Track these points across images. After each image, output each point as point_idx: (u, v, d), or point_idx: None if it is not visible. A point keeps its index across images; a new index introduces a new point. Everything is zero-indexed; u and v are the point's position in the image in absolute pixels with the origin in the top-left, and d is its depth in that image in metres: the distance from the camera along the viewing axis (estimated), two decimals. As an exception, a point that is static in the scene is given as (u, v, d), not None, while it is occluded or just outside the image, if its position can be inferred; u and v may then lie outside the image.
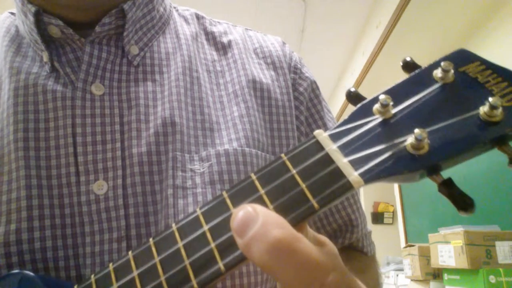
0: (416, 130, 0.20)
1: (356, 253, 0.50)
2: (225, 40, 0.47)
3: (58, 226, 0.33)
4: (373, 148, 0.21)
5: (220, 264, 0.19)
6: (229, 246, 0.20)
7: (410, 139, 0.20)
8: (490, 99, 0.20)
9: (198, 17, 0.49)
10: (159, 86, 0.39)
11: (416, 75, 0.23)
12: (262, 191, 0.21)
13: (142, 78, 0.39)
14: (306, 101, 0.47)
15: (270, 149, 0.42)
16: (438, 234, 1.64)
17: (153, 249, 0.21)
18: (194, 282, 0.19)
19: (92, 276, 0.22)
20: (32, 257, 0.31)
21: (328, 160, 0.21)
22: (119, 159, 0.35)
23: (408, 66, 0.24)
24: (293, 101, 0.46)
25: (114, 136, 0.36)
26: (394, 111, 0.22)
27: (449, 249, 1.52)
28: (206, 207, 0.21)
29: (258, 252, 0.17)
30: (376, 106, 0.22)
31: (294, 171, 0.21)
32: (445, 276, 1.58)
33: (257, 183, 0.21)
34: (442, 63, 0.22)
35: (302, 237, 0.18)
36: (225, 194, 0.21)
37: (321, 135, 0.22)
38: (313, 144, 0.21)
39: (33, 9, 0.36)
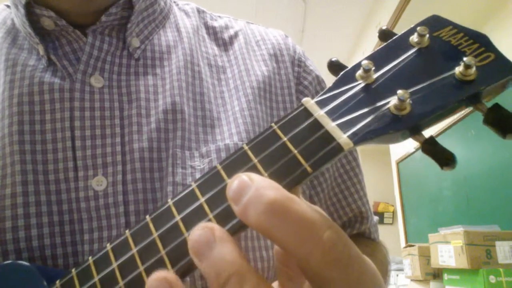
0: (399, 91, 0.21)
1: (363, 238, 0.51)
2: (226, 35, 0.46)
3: (56, 223, 0.32)
4: (359, 111, 0.22)
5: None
6: (226, 215, 0.20)
7: (393, 101, 0.21)
8: (465, 58, 0.21)
9: (199, 11, 0.48)
10: (160, 80, 0.39)
11: (394, 41, 0.25)
12: (255, 160, 0.21)
13: (142, 72, 0.38)
14: (312, 94, 0.46)
15: None
16: (438, 234, 1.64)
17: (151, 225, 0.21)
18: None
19: (90, 258, 0.22)
20: (30, 255, 0.30)
21: (317, 125, 0.21)
22: (119, 154, 0.34)
23: (384, 34, 0.25)
24: (298, 95, 0.45)
25: (114, 130, 0.34)
26: (375, 76, 0.23)
27: (449, 249, 1.52)
28: (200, 180, 0.22)
29: (255, 215, 0.17)
30: (359, 72, 0.23)
31: (285, 138, 0.21)
32: (445, 276, 1.58)
33: (249, 152, 0.22)
34: (417, 28, 0.23)
35: (296, 197, 0.18)
36: (218, 167, 0.22)
37: (309, 102, 0.22)
38: (302, 111, 0.22)
39: (23, 0, 0.34)
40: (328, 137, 0.21)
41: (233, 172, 0.21)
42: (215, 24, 0.47)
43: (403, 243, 2.97)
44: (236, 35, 0.46)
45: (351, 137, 0.21)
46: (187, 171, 0.35)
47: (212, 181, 0.21)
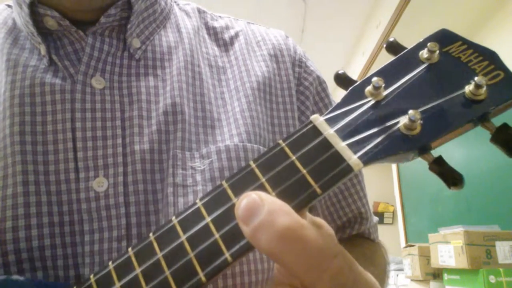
0: (410, 111, 0.21)
1: (363, 239, 0.51)
2: (226, 36, 0.46)
3: (56, 224, 0.32)
4: (369, 131, 0.21)
5: (227, 255, 0.19)
6: (234, 235, 0.20)
7: (403, 120, 0.21)
8: (476, 78, 0.21)
9: (199, 11, 0.48)
10: (161, 81, 0.39)
11: (403, 56, 0.24)
12: (263, 179, 0.21)
13: (143, 73, 0.38)
14: (313, 95, 0.46)
15: (272, 144, 0.41)
16: (438, 234, 1.64)
17: (155, 244, 0.21)
18: (201, 274, 0.19)
19: (92, 276, 0.21)
20: (30, 256, 0.30)
21: (326, 144, 0.21)
22: (120, 155, 0.34)
23: (392, 47, 0.25)
24: (299, 95, 0.45)
25: (115, 132, 0.34)
26: (385, 93, 0.23)
27: (449, 249, 1.52)
28: (206, 199, 0.21)
29: (266, 240, 0.17)
30: (368, 89, 0.23)
31: (293, 157, 0.21)
32: (445, 276, 1.58)
33: (257, 171, 0.21)
34: (428, 44, 0.23)
35: (308, 224, 0.18)
36: (225, 184, 0.21)
37: (318, 120, 0.22)
38: (311, 129, 0.22)
39: (27, 0, 0.34)
40: (338, 158, 0.20)
41: (240, 191, 0.21)
42: (216, 24, 0.47)
43: (403, 243, 2.97)
44: (236, 35, 0.46)
45: (361, 157, 0.20)
46: (188, 172, 0.34)
47: (219, 199, 0.21)
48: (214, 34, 0.46)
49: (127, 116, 0.36)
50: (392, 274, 2.47)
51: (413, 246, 2.05)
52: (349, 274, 0.19)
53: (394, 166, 3.19)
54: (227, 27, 0.47)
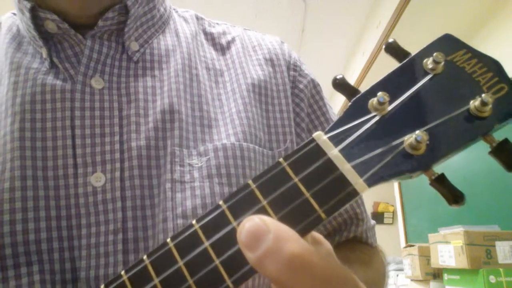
0: (417, 132, 0.20)
1: (360, 244, 0.51)
2: (223, 41, 0.47)
3: (53, 218, 0.32)
4: (374, 151, 0.21)
5: (228, 282, 0.19)
6: (235, 262, 0.19)
7: (408, 139, 0.21)
8: (483, 95, 0.21)
9: (197, 18, 0.49)
10: (158, 82, 0.40)
11: (407, 65, 0.23)
12: (264, 202, 0.20)
13: (141, 74, 0.39)
14: (307, 97, 0.47)
15: (268, 144, 0.42)
16: (438, 234, 1.64)
17: (150, 269, 0.20)
18: None
19: None
20: (26, 249, 0.31)
21: (331, 166, 0.20)
22: (117, 152, 0.35)
23: (392, 48, 0.24)
24: (294, 98, 0.46)
25: (113, 129, 0.36)
26: (390, 107, 0.22)
27: (449, 249, 1.52)
28: (204, 221, 0.20)
29: (274, 267, 0.17)
30: (372, 103, 0.22)
31: (296, 179, 0.20)
32: (445, 276, 1.58)
33: (257, 192, 0.20)
34: (434, 54, 0.23)
35: (315, 250, 0.18)
36: (223, 206, 0.20)
37: (321, 138, 0.21)
38: (314, 148, 0.21)
39: (28, 5, 0.36)
40: (343, 181, 0.20)
41: (239, 213, 0.20)
42: (213, 30, 0.48)
43: (403, 243, 2.97)
44: (233, 40, 0.47)
45: (367, 180, 0.20)
46: (185, 169, 0.35)
47: (217, 223, 0.20)
48: (212, 39, 0.47)
49: (125, 114, 0.37)
50: (392, 274, 2.47)
51: (413, 246, 2.05)
52: None
53: (394, 166, 3.19)
54: (224, 33, 0.48)
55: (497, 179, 1.87)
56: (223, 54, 0.46)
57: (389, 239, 3.81)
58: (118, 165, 0.34)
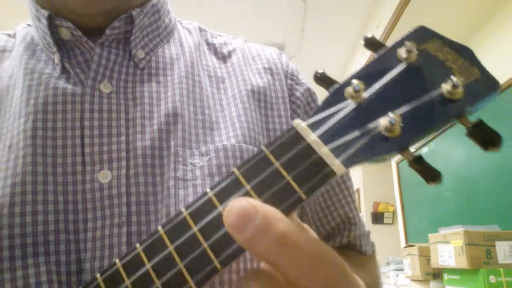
0: (391, 114, 0.21)
1: (354, 251, 0.52)
2: (225, 50, 0.50)
3: (61, 212, 0.34)
4: (351, 135, 0.22)
5: (216, 263, 0.20)
6: (222, 243, 0.20)
7: (383, 122, 0.22)
8: (453, 78, 0.22)
9: (200, 30, 0.53)
10: (163, 87, 0.42)
11: (382, 56, 0.25)
12: (248, 187, 0.21)
13: (147, 79, 0.42)
14: (304, 105, 0.49)
15: None
16: (438, 234, 1.64)
17: (143, 255, 0.21)
18: (191, 283, 0.20)
19: (98, 275, 0.22)
20: (34, 240, 0.33)
21: (309, 150, 0.21)
22: (123, 151, 0.37)
23: (371, 44, 0.25)
24: (291, 105, 0.48)
25: (119, 130, 0.38)
26: (365, 95, 0.23)
27: (449, 249, 1.52)
28: (192, 208, 0.21)
29: (264, 246, 0.18)
30: (348, 91, 0.23)
31: (277, 164, 0.21)
32: (445, 276, 1.58)
33: (241, 178, 0.21)
34: (406, 43, 0.24)
35: (302, 230, 0.19)
36: (210, 193, 0.21)
37: (300, 125, 0.22)
38: (293, 134, 0.22)
39: (46, 13, 0.39)
40: (321, 163, 0.21)
41: (225, 199, 0.21)
42: (215, 41, 0.51)
43: (403, 243, 2.97)
44: (234, 50, 0.50)
45: (343, 162, 0.21)
46: (188, 168, 0.38)
47: (204, 209, 0.21)
48: (214, 49, 0.51)
49: (131, 117, 0.39)
50: (392, 274, 2.47)
51: (413, 246, 2.05)
52: (343, 281, 0.19)
53: (394, 166, 3.19)
54: (225, 43, 0.51)
55: (497, 179, 1.87)
56: (225, 62, 0.49)
57: (389, 239, 3.81)
58: (124, 163, 0.37)
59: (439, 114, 0.22)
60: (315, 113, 0.23)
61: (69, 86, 0.39)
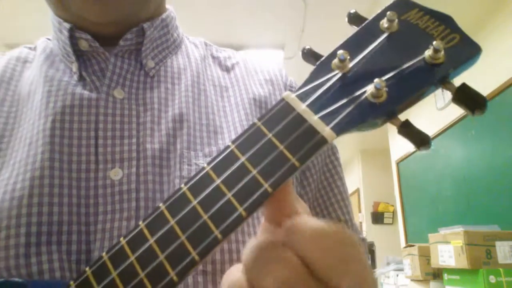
0: (375, 80, 0.22)
1: None
2: (229, 63, 0.55)
3: (74, 205, 0.37)
4: (339, 102, 0.23)
5: (217, 233, 0.21)
6: (222, 215, 0.21)
7: (369, 89, 0.22)
8: (434, 42, 0.22)
9: (206, 44, 0.57)
10: (170, 95, 0.46)
11: (365, 27, 0.26)
12: (243, 158, 0.22)
13: (156, 86, 0.46)
14: None
15: None
16: (438, 234, 1.64)
17: (145, 231, 0.22)
18: (194, 254, 0.20)
19: (104, 254, 0.22)
20: (49, 229, 0.36)
21: (300, 119, 0.22)
22: (134, 152, 0.41)
23: (354, 19, 0.27)
24: None
25: (131, 133, 0.42)
26: (351, 64, 0.24)
27: (449, 249, 1.52)
28: (191, 183, 0.22)
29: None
30: (335, 62, 0.24)
31: (270, 135, 0.22)
32: (445, 276, 1.58)
33: (236, 151, 0.22)
34: (387, 14, 0.25)
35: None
36: (207, 167, 0.22)
37: (289, 96, 0.23)
38: (284, 106, 0.23)
39: (68, 26, 0.44)
40: (312, 131, 0.22)
41: (221, 172, 0.22)
42: (220, 54, 0.56)
43: (403, 243, 2.97)
44: (237, 63, 0.55)
45: (333, 128, 0.22)
46: (192, 168, 0.41)
47: (202, 182, 0.22)
48: (218, 62, 0.55)
49: (141, 121, 0.43)
50: (392, 274, 2.47)
51: (413, 246, 2.05)
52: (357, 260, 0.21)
53: (394, 166, 3.19)
54: (229, 57, 0.56)
55: (497, 179, 1.87)
56: (228, 73, 0.54)
57: (389, 239, 3.81)
58: (134, 162, 0.40)
59: (423, 79, 0.22)
60: (304, 84, 0.24)
61: (86, 92, 0.43)
